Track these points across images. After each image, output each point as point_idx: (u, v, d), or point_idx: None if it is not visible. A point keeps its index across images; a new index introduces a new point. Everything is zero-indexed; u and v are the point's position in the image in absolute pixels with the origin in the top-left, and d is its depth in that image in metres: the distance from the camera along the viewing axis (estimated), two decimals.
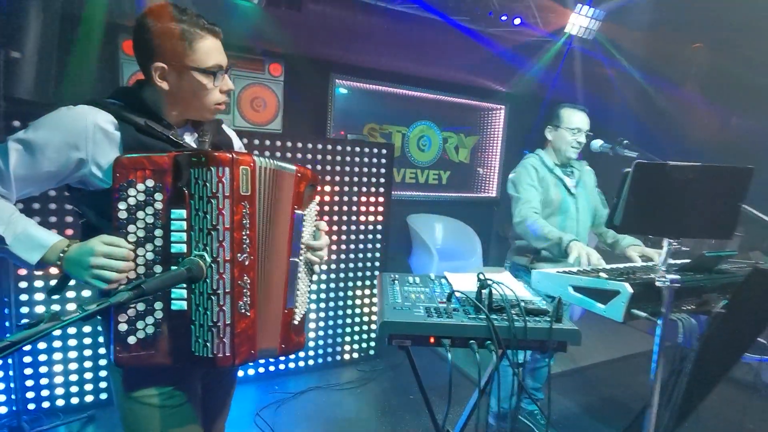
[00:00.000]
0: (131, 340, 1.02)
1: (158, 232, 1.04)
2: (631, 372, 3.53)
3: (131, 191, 1.01)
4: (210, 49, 1.13)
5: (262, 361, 2.94)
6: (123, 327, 1.01)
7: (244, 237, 1.07)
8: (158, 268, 1.05)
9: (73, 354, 2.42)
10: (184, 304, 1.05)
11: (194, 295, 1.05)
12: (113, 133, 1.08)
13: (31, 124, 1.06)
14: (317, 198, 1.42)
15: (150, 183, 1.03)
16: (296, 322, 1.30)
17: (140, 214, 1.03)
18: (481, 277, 1.33)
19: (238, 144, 1.44)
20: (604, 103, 4.99)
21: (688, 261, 1.72)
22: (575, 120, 2.26)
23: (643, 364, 3.62)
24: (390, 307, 1.29)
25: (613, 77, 4.74)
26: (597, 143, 2.23)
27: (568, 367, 3.43)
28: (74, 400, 2.45)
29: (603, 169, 2.57)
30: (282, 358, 2.96)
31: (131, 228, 1.02)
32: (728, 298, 1.53)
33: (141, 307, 1.02)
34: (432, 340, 1.22)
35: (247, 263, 1.08)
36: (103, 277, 0.98)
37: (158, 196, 1.04)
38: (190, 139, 1.25)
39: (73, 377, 2.44)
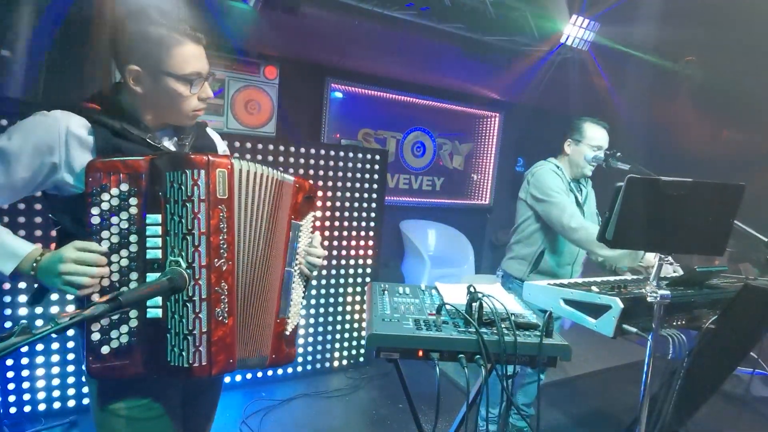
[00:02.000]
0: (105, 350, 0.99)
1: (133, 238, 1.02)
2: (621, 383, 3.53)
3: (104, 196, 0.99)
4: (188, 56, 1.10)
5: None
6: (96, 336, 0.98)
7: (222, 242, 1.05)
8: (134, 275, 1.02)
9: (55, 358, 2.37)
10: (159, 312, 1.02)
11: (170, 303, 1.02)
12: (86, 138, 1.05)
13: (5, 131, 1.04)
14: (313, 210, 1.40)
15: (124, 187, 1.00)
16: (288, 333, 1.29)
17: (114, 220, 1.00)
18: (472, 289, 1.31)
19: (222, 147, 1.40)
20: (598, 114, 5.02)
21: (679, 275, 1.72)
22: (598, 137, 2.19)
23: (632, 375, 3.62)
24: (378, 319, 1.27)
25: (607, 88, 4.77)
26: (590, 155, 2.22)
27: (558, 378, 3.43)
28: (56, 405, 2.40)
29: (594, 180, 2.55)
30: None
31: (105, 234, 0.99)
32: (718, 314, 1.53)
33: (115, 315, 0.99)
34: (420, 353, 1.20)
35: (224, 268, 1.06)
36: (73, 283, 0.95)
37: (133, 200, 1.01)
38: (169, 143, 1.21)
39: (56, 381, 2.39)
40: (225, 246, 1.06)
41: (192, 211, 1.01)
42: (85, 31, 2.85)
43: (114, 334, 1.00)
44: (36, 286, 1.08)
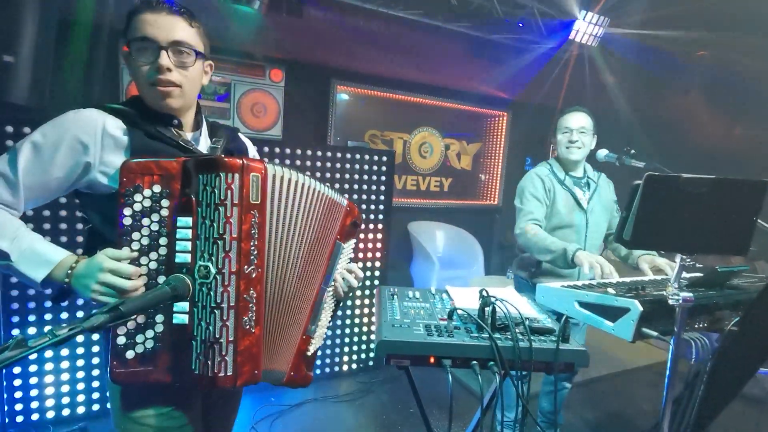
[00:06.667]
0: (129, 354, 0.96)
1: (163, 241, 0.99)
2: (638, 386, 3.45)
3: (137, 197, 0.96)
4: (143, 22, 1.05)
5: None
6: (122, 340, 0.95)
7: (252, 248, 1.02)
8: (161, 279, 0.99)
9: (65, 364, 2.36)
10: (185, 318, 0.99)
11: (197, 309, 0.98)
12: (121, 138, 1.05)
13: (38, 128, 1.03)
14: (355, 237, 1.40)
15: (157, 189, 0.98)
16: (309, 353, 1.26)
17: (145, 221, 0.98)
18: (484, 293, 1.27)
19: (252, 152, 1.40)
20: (609, 111, 4.95)
21: (699, 275, 1.66)
22: (566, 120, 2.19)
23: (650, 378, 3.54)
24: (388, 325, 1.23)
25: (617, 85, 4.70)
26: (602, 153, 2.17)
27: (574, 381, 3.35)
28: (65, 412, 2.39)
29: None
30: None
31: (135, 235, 0.97)
32: (740, 316, 1.47)
33: (141, 319, 0.97)
34: (432, 359, 1.16)
35: (254, 276, 1.02)
36: (109, 294, 0.93)
37: (165, 202, 0.99)
38: (202, 146, 1.21)
39: (65, 388, 2.37)
40: (255, 252, 1.02)
41: (224, 215, 0.98)
42: (92, 35, 2.85)
43: (140, 338, 0.97)
44: (59, 289, 1.03)
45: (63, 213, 2.25)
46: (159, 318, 0.98)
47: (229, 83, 3.63)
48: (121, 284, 0.93)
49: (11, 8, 2.00)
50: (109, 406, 1.14)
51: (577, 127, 2.15)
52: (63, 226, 2.26)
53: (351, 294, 1.38)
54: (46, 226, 2.23)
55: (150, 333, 0.98)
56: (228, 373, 0.99)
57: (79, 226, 2.27)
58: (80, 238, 2.26)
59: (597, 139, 2.23)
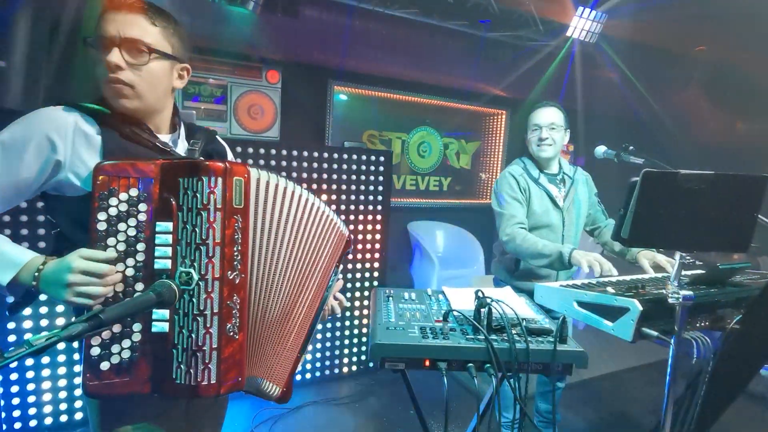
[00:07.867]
0: (104, 365, 0.92)
1: (141, 246, 0.95)
2: (641, 384, 3.42)
3: (113, 201, 0.93)
4: (104, 20, 1.01)
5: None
6: (95, 351, 0.92)
7: (236, 253, 0.99)
8: (139, 286, 0.96)
9: (62, 370, 2.34)
10: (165, 326, 0.96)
11: (178, 317, 0.95)
12: (94, 137, 1.00)
13: (6, 126, 0.98)
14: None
15: (134, 192, 0.94)
16: (295, 372, 1.24)
17: (122, 226, 0.94)
18: (480, 294, 1.25)
19: (230, 155, 1.38)
20: (608, 108, 4.92)
21: (700, 273, 1.63)
22: (533, 118, 2.17)
23: (652, 376, 3.51)
24: (383, 328, 1.21)
25: (616, 81, 4.67)
26: (601, 149, 2.13)
27: (574, 380, 3.33)
28: (63, 418, 2.38)
29: (608, 176, 2.44)
30: None
31: (111, 241, 0.93)
32: (743, 313, 1.44)
33: (117, 329, 0.93)
34: (427, 362, 1.14)
35: (237, 281, 1.00)
36: (84, 294, 0.89)
37: (142, 206, 0.95)
38: (180, 148, 1.17)
39: (62, 394, 2.36)
40: (239, 258, 1.00)
41: (207, 220, 0.95)
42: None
43: (115, 348, 0.93)
44: (22, 293, 0.98)
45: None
46: (136, 327, 0.95)
47: (226, 85, 3.61)
48: (93, 282, 0.89)
49: (2, 13, 1.99)
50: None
51: (547, 124, 2.10)
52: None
53: (339, 308, 1.38)
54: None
55: (127, 343, 0.94)
56: (212, 381, 0.96)
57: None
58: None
59: (570, 133, 2.19)
